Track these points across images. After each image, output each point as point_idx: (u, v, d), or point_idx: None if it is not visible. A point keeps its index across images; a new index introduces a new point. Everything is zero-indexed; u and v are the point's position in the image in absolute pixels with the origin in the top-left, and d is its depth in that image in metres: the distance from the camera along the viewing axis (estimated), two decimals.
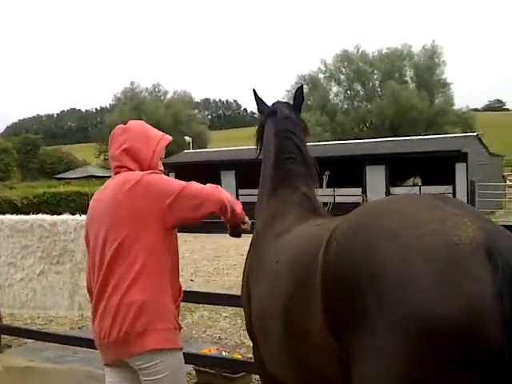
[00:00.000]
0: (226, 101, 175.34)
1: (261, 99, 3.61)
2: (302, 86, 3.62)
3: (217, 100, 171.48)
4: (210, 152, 33.15)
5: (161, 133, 3.16)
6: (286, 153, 3.29)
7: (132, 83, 65.51)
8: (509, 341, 1.75)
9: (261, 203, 3.38)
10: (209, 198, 2.91)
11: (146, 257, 2.76)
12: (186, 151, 34.15)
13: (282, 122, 3.39)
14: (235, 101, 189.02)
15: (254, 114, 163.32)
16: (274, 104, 3.58)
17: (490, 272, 1.77)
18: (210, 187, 3.01)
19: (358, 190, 24.35)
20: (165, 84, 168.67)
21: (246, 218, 3.28)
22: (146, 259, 2.75)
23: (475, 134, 28.42)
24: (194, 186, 2.94)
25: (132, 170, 2.96)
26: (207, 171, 23.64)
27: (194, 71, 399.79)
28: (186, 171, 24.13)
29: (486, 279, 1.76)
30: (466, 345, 1.75)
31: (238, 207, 3.17)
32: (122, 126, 3.10)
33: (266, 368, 2.92)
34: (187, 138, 39.25)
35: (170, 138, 3.19)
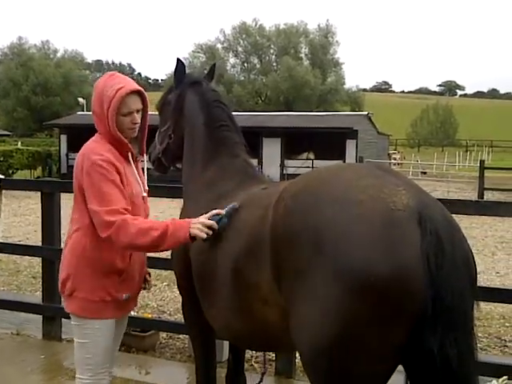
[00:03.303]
0: (120, 63, 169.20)
1: (184, 69, 3.49)
2: (215, 64, 3.77)
3: (110, 62, 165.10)
4: None
5: (120, 84, 2.84)
6: (220, 121, 3.32)
7: (20, 38, 61.39)
8: (432, 296, 1.99)
9: (191, 171, 3.34)
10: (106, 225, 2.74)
11: (76, 229, 2.96)
12: (79, 113, 32.83)
13: (210, 93, 3.41)
14: (129, 64, 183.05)
15: (148, 78, 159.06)
16: (188, 76, 3.51)
17: (419, 236, 2.00)
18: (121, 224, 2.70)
19: (254, 162, 24.74)
20: (55, 42, 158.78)
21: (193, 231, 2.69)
22: (74, 234, 2.96)
23: (366, 113, 29.76)
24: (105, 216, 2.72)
25: (100, 134, 2.95)
26: None
27: (85, 31, 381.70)
28: (78, 134, 23.15)
29: (416, 243, 1.99)
30: (395, 298, 1.98)
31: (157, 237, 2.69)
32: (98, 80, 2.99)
33: (202, 324, 3.05)
34: (81, 99, 37.71)
35: (131, 87, 2.85)
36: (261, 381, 3.49)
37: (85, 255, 2.89)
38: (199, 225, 2.67)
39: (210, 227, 2.67)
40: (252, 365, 5.14)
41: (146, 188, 3.14)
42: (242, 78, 59.65)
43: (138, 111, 2.91)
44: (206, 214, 2.75)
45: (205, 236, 2.67)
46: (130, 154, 2.98)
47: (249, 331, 2.66)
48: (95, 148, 2.87)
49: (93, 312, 2.90)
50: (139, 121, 2.94)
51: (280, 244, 2.27)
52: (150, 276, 3.31)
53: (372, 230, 2.01)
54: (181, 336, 5.76)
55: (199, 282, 2.95)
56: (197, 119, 3.36)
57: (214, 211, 2.73)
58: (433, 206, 2.13)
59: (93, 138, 2.98)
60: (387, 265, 1.97)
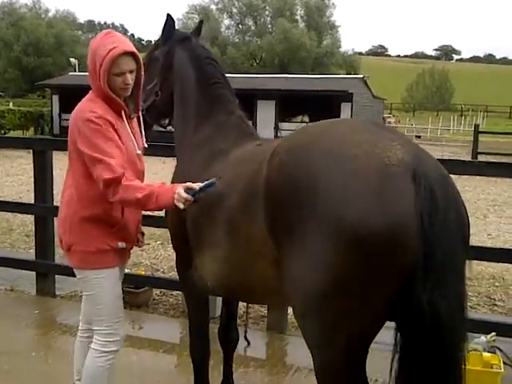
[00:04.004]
0: (112, 24, 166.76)
1: (173, 24, 3.41)
2: (202, 21, 3.69)
3: (102, 22, 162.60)
4: None
5: (114, 44, 2.81)
6: (213, 78, 3.28)
7: None
8: (424, 252, 1.99)
9: (184, 129, 3.31)
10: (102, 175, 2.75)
11: (69, 185, 3.00)
12: (71, 73, 32.46)
13: (200, 50, 3.36)
14: (122, 25, 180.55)
15: (141, 39, 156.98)
16: (177, 32, 3.43)
17: (413, 192, 1.99)
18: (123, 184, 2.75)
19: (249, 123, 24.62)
20: (46, 1, 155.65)
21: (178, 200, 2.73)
22: (68, 190, 3.00)
23: (361, 76, 29.52)
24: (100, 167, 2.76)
25: (94, 91, 2.93)
26: None
27: None
28: (71, 94, 23.09)
29: (409, 198, 1.99)
30: (387, 253, 1.98)
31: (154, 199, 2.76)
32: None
33: (195, 280, 3.06)
34: (73, 59, 37.11)
35: (124, 48, 2.81)
36: (245, 331, 3.57)
37: (77, 209, 2.94)
38: (176, 195, 2.73)
39: (186, 199, 2.73)
40: (244, 321, 5.21)
41: (145, 145, 3.14)
42: (237, 40, 58.93)
43: (130, 72, 2.88)
44: (187, 182, 2.79)
45: (182, 206, 2.73)
46: (123, 112, 2.97)
47: (243, 284, 2.68)
48: (88, 106, 2.87)
49: (93, 263, 2.96)
50: (131, 82, 2.91)
51: (274, 198, 2.27)
52: (143, 235, 3.35)
53: (366, 185, 2.00)
54: (174, 292, 5.82)
55: (194, 238, 2.95)
56: (189, 76, 3.31)
57: (189, 184, 2.76)
58: (428, 162, 2.11)
59: (86, 96, 2.98)
60: (380, 220, 1.96)
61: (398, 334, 2.19)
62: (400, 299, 2.06)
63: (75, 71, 34.78)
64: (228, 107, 3.24)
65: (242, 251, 2.54)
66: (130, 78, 2.89)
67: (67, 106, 28.32)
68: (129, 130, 3.00)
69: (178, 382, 3.96)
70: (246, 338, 3.54)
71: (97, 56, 2.82)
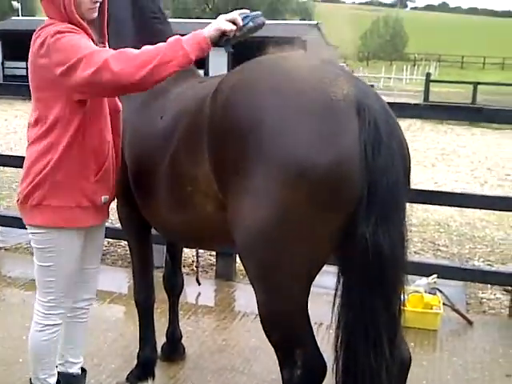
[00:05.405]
0: None
1: None
2: None
3: None
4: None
5: None
6: (151, 12, 3.13)
7: None
8: (368, 185, 2.00)
9: None
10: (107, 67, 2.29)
11: (38, 133, 2.54)
12: (13, 18, 31.05)
13: None
14: None
15: None
16: None
17: (357, 126, 2.00)
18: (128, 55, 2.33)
19: (200, 72, 24.21)
20: None
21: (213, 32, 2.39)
22: (37, 136, 2.54)
23: (315, 22, 29.30)
24: (100, 53, 2.33)
25: (53, 19, 2.52)
26: None
27: None
28: (14, 40, 22.15)
29: (354, 132, 1.99)
30: (332, 188, 1.98)
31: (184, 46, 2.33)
32: None
33: (138, 225, 3.08)
34: (15, 3, 35.41)
35: None
36: (197, 272, 3.58)
37: (54, 156, 2.50)
38: (220, 19, 2.38)
39: (234, 22, 2.40)
40: (193, 269, 5.23)
41: None
42: None
43: None
44: None
45: (234, 27, 2.39)
46: (90, 40, 2.58)
47: (190, 226, 2.64)
48: (48, 28, 2.46)
49: (68, 221, 2.54)
50: None
51: (218, 136, 2.22)
52: None
53: (310, 122, 1.99)
54: (123, 243, 5.77)
55: (136, 181, 2.88)
56: (123, 12, 3.12)
57: (240, 10, 2.45)
58: (370, 95, 2.12)
59: (38, 30, 2.52)
60: (325, 155, 1.96)
61: (340, 275, 2.21)
62: (343, 236, 2.07)
63: (18, 16, 33.24)
64: None
65: (187, 192, 2.49)
66: None
67: (11, 53, 27.18)
68: None
69: (125, 329, 3.95)
70: (197, 280, 3.56)
71: None
